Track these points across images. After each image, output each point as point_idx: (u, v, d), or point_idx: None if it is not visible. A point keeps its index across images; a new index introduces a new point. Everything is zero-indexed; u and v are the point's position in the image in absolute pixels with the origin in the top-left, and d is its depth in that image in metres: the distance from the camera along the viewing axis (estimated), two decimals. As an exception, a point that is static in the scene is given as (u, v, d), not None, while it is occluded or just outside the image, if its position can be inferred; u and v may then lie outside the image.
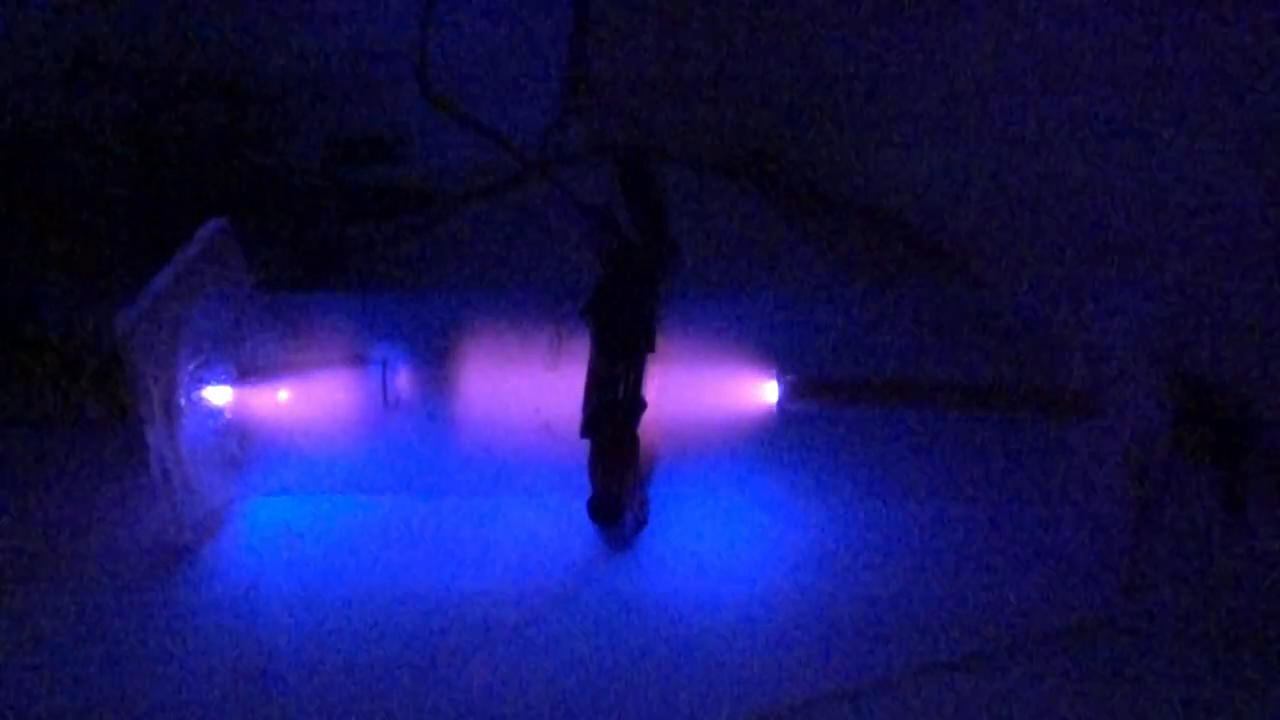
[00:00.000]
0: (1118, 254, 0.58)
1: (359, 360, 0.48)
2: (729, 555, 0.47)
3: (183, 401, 0.46)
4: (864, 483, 0.48)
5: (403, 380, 0.48)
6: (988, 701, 0.40)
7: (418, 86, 0.72)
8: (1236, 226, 0.52)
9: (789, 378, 0.46)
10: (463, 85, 0.74)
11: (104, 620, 0.45)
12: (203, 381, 0.48)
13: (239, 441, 0.49)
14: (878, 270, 0.68)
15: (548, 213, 0.71)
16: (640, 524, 0.47)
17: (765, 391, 0.46)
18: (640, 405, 0.45)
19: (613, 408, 0.45)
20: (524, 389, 0.47)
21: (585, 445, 0.45)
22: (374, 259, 0.69)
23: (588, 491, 0.45)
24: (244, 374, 0.48)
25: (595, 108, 0.77)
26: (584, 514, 0.44)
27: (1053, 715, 0.40)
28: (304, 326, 0.50)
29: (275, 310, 0.50)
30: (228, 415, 0.48)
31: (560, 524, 0.48)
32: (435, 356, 0.48)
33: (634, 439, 0.45)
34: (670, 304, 0.48)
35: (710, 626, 0.43)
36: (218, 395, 0.48)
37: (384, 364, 0.48)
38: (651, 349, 0.46)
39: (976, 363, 0.47)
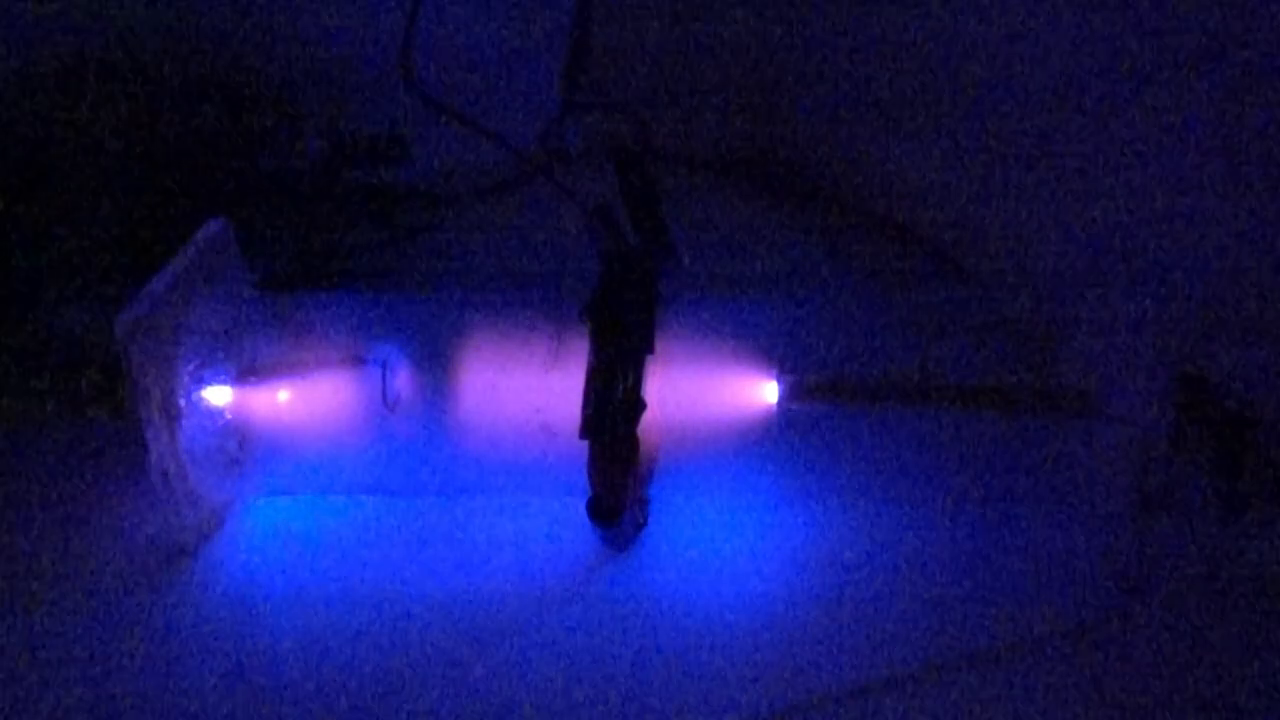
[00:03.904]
0: (1119, 255, 0.58)
1: (358, 361, 0.48)
2: (728, 555, 0.47)
3: (182, 402, 0.46)
4: (864, 483, 0.48)
5: (402, 381, 0.48)
6: (988, 701, 0.40)
7: (406, 85, 0.72)
8: (1237, 228, 0.52)
9: (789, 378, 0.46)
10: (461, 84, 0.74)
11: (104, 620, 0.45)
12: (203, 382, 0.48)
13: (239, 442, 0.49)
14: (878, 270, 0.68)
15: (547, 213, 0.71)
16: (640, 524, 0.47)
17: (765, 391, 0.46)
18: (639, 406, 0.45)
19: (612, 409, 0.45)
20: (524, 389, 0.47)
21: (585, 446, 0.45)
22: (374, 259, 0.69)
23: (588, 492, 0.45)
24: (244, 374, 0.49)
25: (595, 107, 0.77)
26: (584, 514, 0.44)
27: (1053, 715, 0.40)
28: (304, 326, 0.50)
29: (275, 310, 0.50)
30: (227, 416, 0.48)
31: (560, 524, 0.48)
32: (435, 357, 0.48)
33: (633, 440, 0.45)
34: (670, 304, 0.48)
35: (710, 627, 0.43)
36: (217, 396, 0.48)
37: (383, 365, 0.48)
38: (651, 350, 0.46)
39: (976, 363, 0.47)
